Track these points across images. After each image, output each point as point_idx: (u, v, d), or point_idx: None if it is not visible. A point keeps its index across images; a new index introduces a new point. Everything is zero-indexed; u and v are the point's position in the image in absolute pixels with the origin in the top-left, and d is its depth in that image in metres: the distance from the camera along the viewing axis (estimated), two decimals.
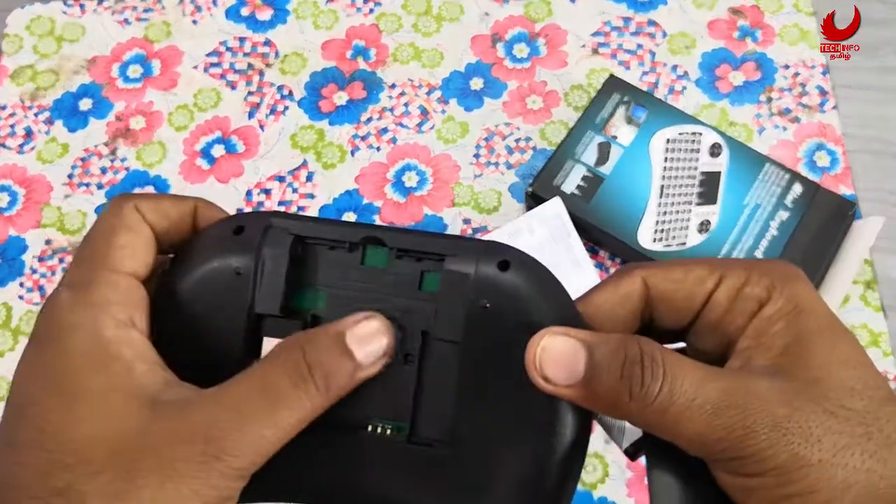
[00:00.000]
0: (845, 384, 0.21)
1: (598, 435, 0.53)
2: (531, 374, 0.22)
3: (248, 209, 0.60)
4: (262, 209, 0.60)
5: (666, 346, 0.22)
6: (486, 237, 0.57)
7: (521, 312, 0.23)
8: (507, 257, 0.23)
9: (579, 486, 0.51)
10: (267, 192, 0.61)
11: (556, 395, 0.22)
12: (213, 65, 0.65)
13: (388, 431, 0.24)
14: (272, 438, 0.21)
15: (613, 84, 0.59)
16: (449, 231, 0.58)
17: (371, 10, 0.67)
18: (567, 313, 0.23)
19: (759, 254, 0.53)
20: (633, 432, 0.25)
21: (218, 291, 0.24)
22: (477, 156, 0.61)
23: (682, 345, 0.26)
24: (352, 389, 0.22)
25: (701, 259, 0.24)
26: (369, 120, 0.63)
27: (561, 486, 0.23)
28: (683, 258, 0.26)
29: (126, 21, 0.67)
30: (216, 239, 0.24)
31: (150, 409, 0.21)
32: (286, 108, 0.64)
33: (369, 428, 0.24)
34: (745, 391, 0.21)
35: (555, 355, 0.21)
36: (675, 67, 0.63)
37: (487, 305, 0.23)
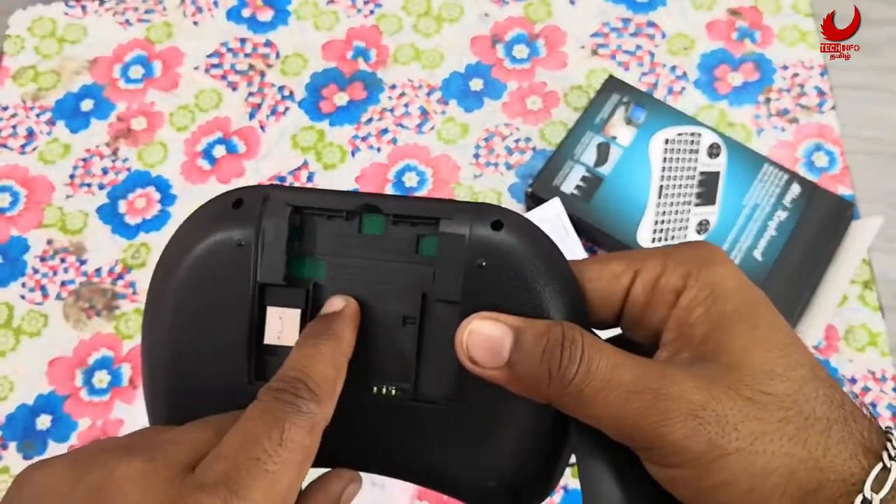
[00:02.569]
0: (764, 367, 0.21)
1: None
2: (459, 356, 0.22)
3: None
4: None
5: (600, 333, 0.23)
6: None
7: (517, 269, 0.23)
8: (500, 217, 0.24)
9: (580, 486, 0.52)
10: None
11: (482, 377, 0.22)
12: (214, 66, 0.66)
13: (393, 391, 0.24)
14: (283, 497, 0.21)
15: (613, 85, 0.59)
16: None
17: (371, 12, 0.67)
18: (559, 270, 0.24)
19: (757, 254, 0.53)
20: None
21: (220, 263, 0.24)
22: (477, 156, 0.61)
23: (617, 331, 0.25)
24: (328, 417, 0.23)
25: (619, 253, 0.24)
26: (370, 120, 0.63)
27: (558, 441, 0.24)
28: (607, 253, 0.25)
29: (127, 22, 0.68)
30: (216, 212, 0.25)
31: None
32: (287, 108, 0.64)
33: (374, 389, 0.24)
34: (660, 376, 0.21)
35: (481, 339, 0.22)
36: (674, 68, 0.64)
37: (483, 264, 0.23)
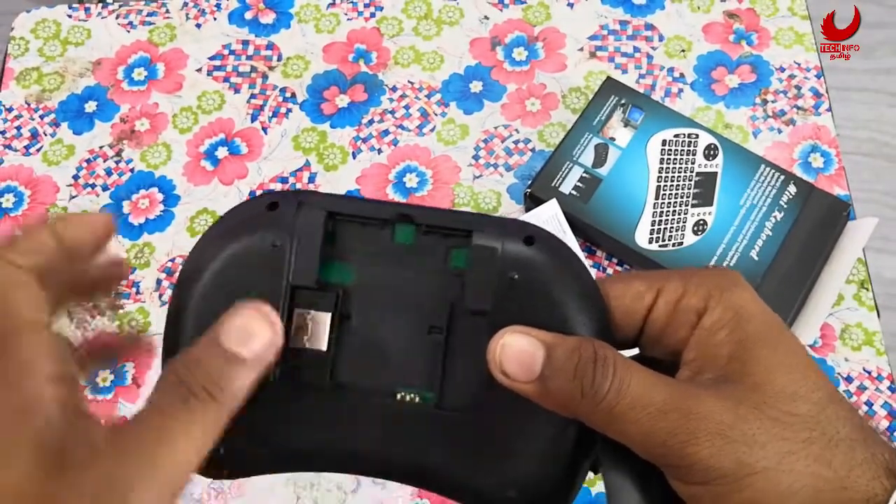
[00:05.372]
0: (788, 389, 0.21)
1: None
2: (491, 368, 0.23)
3: None
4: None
5: (621, 352, 0.23)
6: None
7: (547, 284, 0.24)
8: (532, 233, 0.24)
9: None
10: (270, 193, 0.61)
11: (513, 390, 0.23)
12: (216, 68, 0.66)
13: (417, 399, 0.24)
14: (181, 468, 0.20)
15: (611, 86, 0.60)
16: None
17: (372, 14, 0.68)
18: (587, 287, 0.24)
19: (754, 254, 0.54)
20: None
21: (253, 264, 0.24)
22: (476, 157, 0.62)
23: (636, 351, 0.26)
24: (251, 384, 0.22)
25: (641, 273, 0.25)
26: (370, 122, 0.64)
27: (578, 453, 0.24)
28: (628, 272, 0.26)
29: (130, 24, 0.68)
30: (252, 214, 0.25)
31: (51, 468, 0.19)
32: (289, 110, 0.64)
33: (398, 396, 0.25)
34: (689, 397, 0.21)
35: (514, 353, 0.22)
36: (671, 70, 0.64)
37: (516, 277, 0.24)
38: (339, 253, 0.25)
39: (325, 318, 0.24)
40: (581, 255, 0.57)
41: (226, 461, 0.24)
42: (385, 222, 0.25)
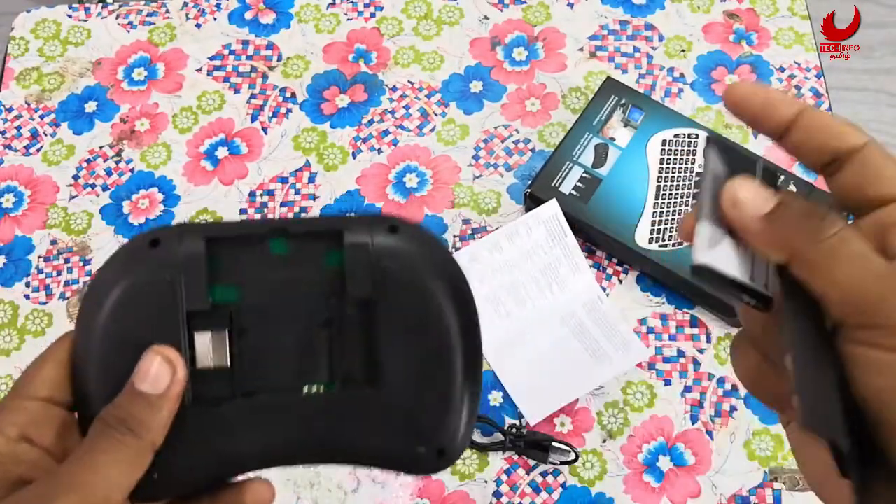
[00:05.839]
0: None
1: (595, 434, 0.53)
2: (725, 201, 0.23)
3: (251, 210, 0.61)
4: (266, 210, 0.61)
5: None
6: (485, 238, 0.58)
7: (414, 267, 0.27)
8: (395, 223, 0.27)
9: (578, 483, 0.52)
10: (270, 192, 0.61)
11: (742, 230, 0.23)
12: (216, 68, 0.66)
13: (321, 389, 0.27)
14: (106, 491, 0.24)
15: (611, 87, 0.60)
16: (449, 231, 0.59)
17: (372, 14, 0.68)
18: (450, 265, 0.28)
19: None
20: (762, 273, 0.24)
21: (148, 300, 0.26)
22: (476, 157, 0.62)
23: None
24: (168, 415, 0.25)
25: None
26: (370, 122, 0.64)
27: (472, 399, 0.28)
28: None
29: (130, 24, 0.68)
30: (136, 253, 0.27)
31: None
32: (289, 110, 0.64)
33: (304, 390, 0.27)
34: None
35: (752, 189, 0.23)
36: (671, 70, 0.64)
37: (387, 265, 0.27)
38: (225, 274, 0.27)
39: (223, 337, 0.27)
40: (578, 253, 0.57)
41: (159, 484, 0.26)
42: (260, 237, 0.27)
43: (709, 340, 0.56)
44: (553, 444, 0.52)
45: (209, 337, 0.27)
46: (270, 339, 0.27)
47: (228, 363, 0.27)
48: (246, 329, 0.27)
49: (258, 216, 0.61)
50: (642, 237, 0.55)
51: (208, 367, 0.27)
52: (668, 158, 0.57)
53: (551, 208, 0.56)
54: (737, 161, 0.25)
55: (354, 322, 0.27)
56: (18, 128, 0.65)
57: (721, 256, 0.24)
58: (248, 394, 0.27)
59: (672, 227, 0.55)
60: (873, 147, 0.23)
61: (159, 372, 0.25)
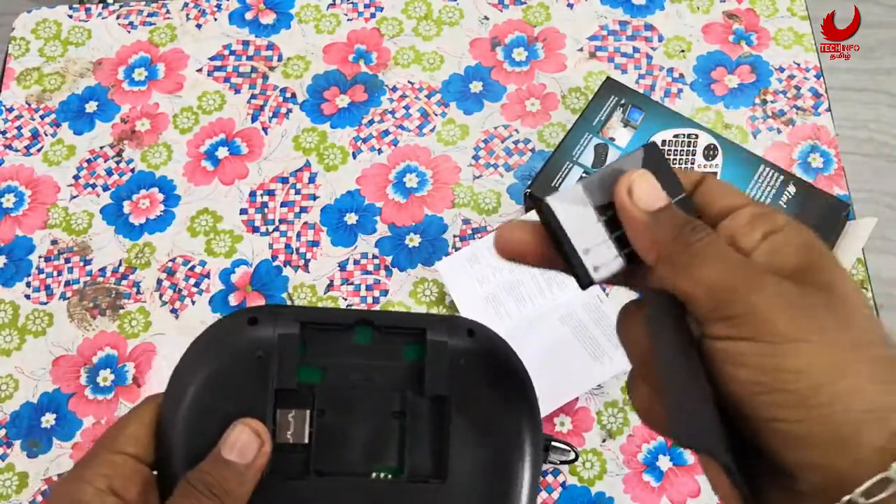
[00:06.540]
0: (854, 300, 0.22)
1: (594, 433, 0.54)
2: (619, 191, 0.25)
3: (251, 210, 0.61)
4: (266, 210, 0.61)
5: None
6: (485, 238, 0.58)
7: (488, 369, 0.29)
8: (472, 327, 0.30)
9: (577, 482, 0.52)
10: (270, 192, 0.62)
11: (626, 215, 0.25)
12: (217, 68, 0.66)
13: (389, 476, 0.28)
14: None
15: (610, 87, 0.60)
16: (449, 231, 0.60)
17: (372, 15, 0.68)
18: (520, 371, 0.30)
19: None
20: (600, 258, 0.26)
21: (238, 373, 0.28)
22: (476, 157, 0.62)
23: None
24: (250, 485, 0.27)
25: (757, 205, 0.25)
26: (370, 122, 0.64)
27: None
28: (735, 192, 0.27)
29: (131, 25, 0.68)
30: (235, 328, 0.29)
31: None
32: (289, 110, 0.65)
33: (372, 475, 0.28)
34: (765, 268, 0.23)
35: (648, 184, 0.25)
36: (671, 70, 0.65)
37: (462, 363, 0.29)
38: (311, 356, 0.29)
39: (305, 416, 0.28)
40: None
41: None
42: (347, 326, 0.29)
43: None
44: (553, 443, 0.52)
45: (292, 414, 0.28)
46: (346, 423, 0.29)
47: (307, 441, 0.28)
48: (325, 410, 0.28)
49: (259, 216, 0.61)
50: None
51: (287, 443, 0.28)
52: (668, 158, 0.57)
53: None
54: (667, 176, 0.26)
55: (427, 415, 0.29)
56: (19, 128, 0.65)
57: (572, 215, 0.25)
58: (320, 472, 0.28)
59: None
60: (710, 177, 0.26)
61: (248, 443, 0.27)
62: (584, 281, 0.25)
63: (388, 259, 0.59)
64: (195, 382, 0.28)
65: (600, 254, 0.25)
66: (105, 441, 0.27)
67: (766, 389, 0.21)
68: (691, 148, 0.57)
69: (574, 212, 0.25)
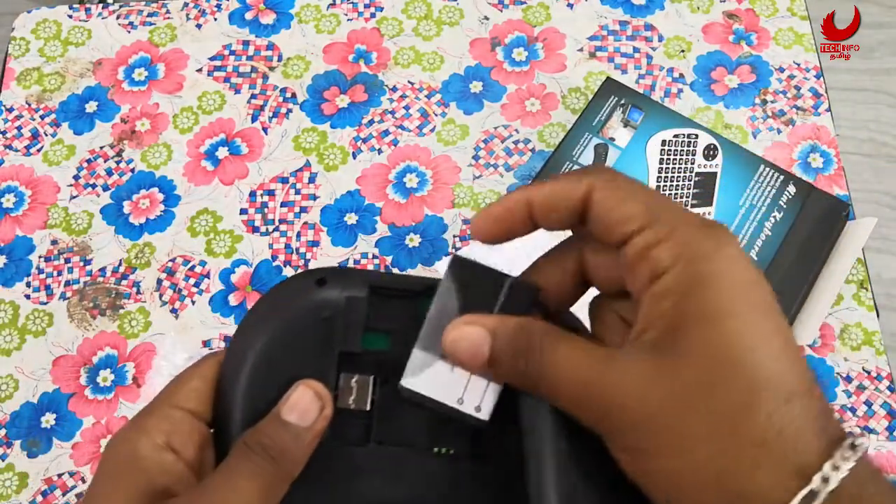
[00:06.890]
0: (704, 379, 0.21)
1: None
2: (445, 346, 0.25)
3: (251, 210, 0.61)
4: (266, 210, 0.61)
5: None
6: None
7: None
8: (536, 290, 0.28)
9: None
10: (270, 192, 0.62)
11: (457, 365, 0.25)
12: (217, 68, 0.66)
13: (451, 451, 0.27)
14: None
15: (610, 87, 0.60)
16: (449, 231, 0.60)
17: (372, 15, 0.68)
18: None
19: (753, 254, 0.54)
20: (476, 396, 0.26)
21: (303, 334, 0.27)
22: (476, 157, 0.62)
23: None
24: (309, 448, 0.26)
25: (640, 193, 0.24)
26: (370, 122, 0.64)
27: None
28: (632, 184, 0.25)
29: (131, 25, 0.68)
30: (302, 287, 0.28)
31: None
32: (289, 110, 0.65)
33: (434, 450, 0.27)
34: (611, 370, 0.22)
35: (466, 346, 0.25)
36: (671, 70, 0.65)
37: None
38: (376, 322, 0.28)
39: (368, 382, 0.27)
40: None
41: None
42: (415, 294, 0.28)
43: None
44: None
45: (355, 379, 0.27)
46: None
47: (368, 408, 0.27)
48: (388, 380, 0.27)
49: (259, 216, 0.61)
50: None
51: (348, 409, 0.27)
52: (668, 159, 0.57)
53: None
54: (482, 277, 0.26)
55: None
56: (19, 128, 0.65)
57: (429, 381, 0.25)
58: (380, 442, 0.27)
59: None
60: (597, 191, 0.25)
61: (309, 406, 0.26)
62: (479, 425, 0.25)
63: (388, 259, 0.59)
64: (258, 340, 0.27)
65: (473, 393, 0.25)
66: (164, 395, 0.27)
67: (661, 493, 0.21)
68: (691, 148, 0.57)
69: (429, 376, 0.25)
